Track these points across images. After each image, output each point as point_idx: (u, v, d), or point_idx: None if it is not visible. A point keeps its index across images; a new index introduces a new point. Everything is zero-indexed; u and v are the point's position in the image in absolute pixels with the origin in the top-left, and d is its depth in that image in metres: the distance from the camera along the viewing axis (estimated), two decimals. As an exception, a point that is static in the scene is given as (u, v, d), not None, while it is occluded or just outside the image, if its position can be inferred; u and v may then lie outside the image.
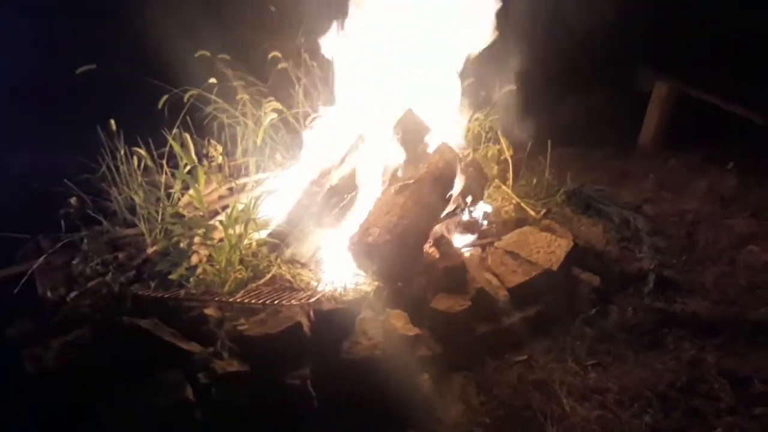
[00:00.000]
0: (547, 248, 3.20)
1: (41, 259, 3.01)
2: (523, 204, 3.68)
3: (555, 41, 5.14)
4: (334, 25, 3.37)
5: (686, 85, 5.18)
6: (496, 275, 3.09)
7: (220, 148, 3.61)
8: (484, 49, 3.47)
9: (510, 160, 3.86)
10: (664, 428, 2.44)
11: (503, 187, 3.80)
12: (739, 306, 3.17)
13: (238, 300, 2.70)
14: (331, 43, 3.39)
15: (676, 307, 3.16)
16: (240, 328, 2.57)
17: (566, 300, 3.12)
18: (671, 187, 4.51)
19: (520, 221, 3.56)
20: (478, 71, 3.68)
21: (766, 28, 5.08)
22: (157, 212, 3.16)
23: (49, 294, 2.87)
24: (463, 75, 3.47)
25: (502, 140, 3.90)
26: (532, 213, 3.63)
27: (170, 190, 3.22)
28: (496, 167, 3.88)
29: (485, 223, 3.46)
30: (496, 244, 3.30)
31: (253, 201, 2.99)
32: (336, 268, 2.94)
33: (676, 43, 5.50)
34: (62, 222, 3.19)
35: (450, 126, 3.48)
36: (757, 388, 2.63)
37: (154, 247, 2.98)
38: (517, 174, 3.93)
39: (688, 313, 3.12)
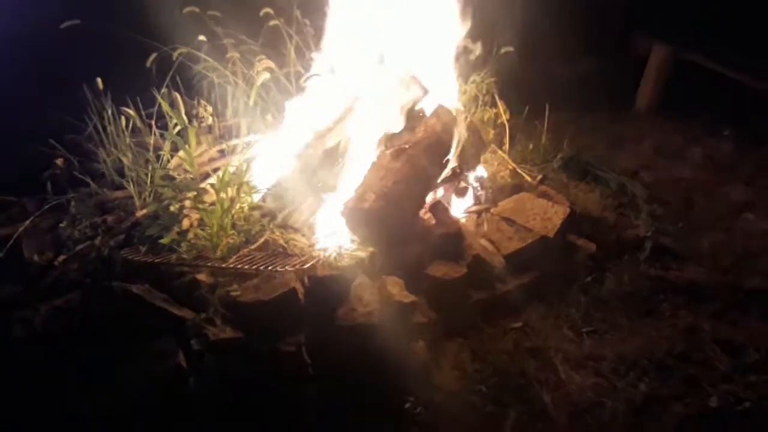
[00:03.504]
0: (544, 215, 3.16)
1: (28, 221, 2.94)
2: (519, 170, 3.63)
3: (552, 3, 5.03)
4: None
5: (684, 50, 5.12)
6: (492, 242, 3.05)
7: (210, 109, 3.52)
8: (482, 11, 3.38)
9: (506, 125, 3.80)
10: (659, 396, 2.44)
11: (499, 152, 3.74)
12: (734, 274, 3.16)
13: (231, 265, 2.65)
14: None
15: (672, 275, 3.15)
16: (233, 293, 2.52)
17: (562, 267, 3.09)
18: (667, 154, 4.49)
19: (516, 187, 3.51)
20: (475, 32, 3.59)
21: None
22: (146, 174, 3.09)
23: (36, 257, 2.81)
24: (460, 36, 3.39)
25: (499, 104, 3.83)
26: (529, 179, 3.58)
27: (159, 152, 3.14)
28: (492, 131, 3.82)
29: (481, 188, 3.41)
30: (492, 210, 3.25)
31: (244, 164, 2.92)
32: (330, 234, 2.89)
33: (674, 8, 5.41)
34: (48, 184, 3.11)
35: (447, 88, 3.39)
36: (752, 356, 2.62)
37: (144, 210, 2.92)
38: (513, 139, 3.88)
39: (684, 280, 3.10)
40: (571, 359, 2.64)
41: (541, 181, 3.57)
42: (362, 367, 2.44)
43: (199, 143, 3.29)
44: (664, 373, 2.54)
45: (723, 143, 4.60)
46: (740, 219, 3.65)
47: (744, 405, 2.39)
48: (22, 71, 3.89)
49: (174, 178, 2.90)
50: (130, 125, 3.19)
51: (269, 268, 2.61)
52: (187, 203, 2.81)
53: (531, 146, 3.92)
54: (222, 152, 3.46)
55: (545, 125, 3.92)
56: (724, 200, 3.85)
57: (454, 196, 3.31)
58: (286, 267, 2.61)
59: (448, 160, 3.11)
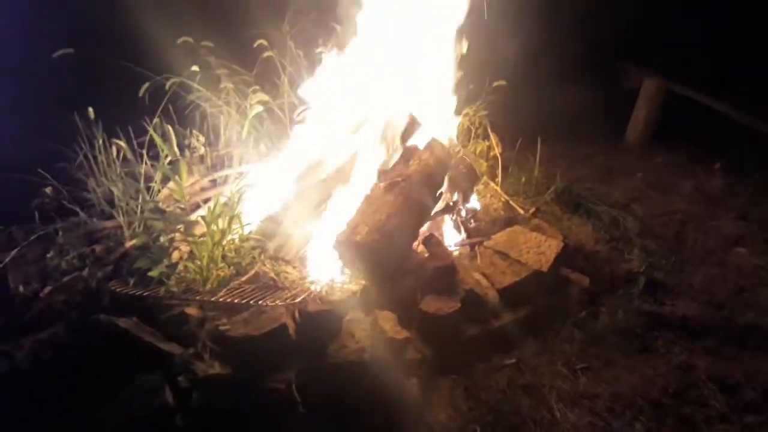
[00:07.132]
0: (537, 249, 3.14)
1: (14, 251, 2.89)
2: (512, 202, 3.62)
3: (543, 37, 5.09)
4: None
5: (675, 83, 5.17)
6: (485, 276, 3.02)
7: (202, 139, 3.51)
8: (473, 44, 3.41)
9: (499, 157, 3.80)
10: (656, 436, 2.40)
11: (492, 184, 3.74)
12: (728, 309, 3.15)
13: (221, 299, 2.60)
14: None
15: (666, 310, 3.13)
16: (222, 328, 2.47)
17: (556, 301, 3.06)
18: (659, 187, 4.51)
19: (510, 220, 3.49)
20: (468, 66, 3.61)
21: (757, 30, 5.09)
22: (137, 205, 3.05)
23: (21, 288, 2.76)
24: (453, 69, 3.40)
25: (492, 136, 3.83)
26: (522, 212, 3.57)
27: (150, 183, 3.11)
28: (485, 164, 3.82)
29: (474, 221, 3.39)
30: (485, 243, 3.23)
31: (236, 195, 2.89)
32: (322, 266, 2.85)
33: (665, 41, 5.49)
34: (36, 213, 3.06)
35: (440, 121, 3.40)
36: (748, 394, 2.59)
37: (133, 241, 2.87)
38: (506, 171, 3.88)
39: (678, 315, 3.08)
40: (565, 397, 2.59)
41: (534, 214, 3.56)
42: (354, 405, 2.39)
43: (190, 173, 3.27)
44: (659, 413, 2.50)
45: (713, 176, 4.62)
46: (732, 253, 3.64)
47: (741, 446, 2.36)
48: (13, 99, 3.86)
49: (164, 211, 2.86)
50: (121, 155, 3.16)
51: (260, 302, 2.56)
52: (177, 236, 2.77)
53: (523, 178, 3.92)
54: (214, 182, 3.43)
55: (537, 158, 3.93)
56: (716, 234, 3.85)
57: (447, 229, 3.29)
58: (277, 301, 2.57)
59: (441, 193, 3.10)
